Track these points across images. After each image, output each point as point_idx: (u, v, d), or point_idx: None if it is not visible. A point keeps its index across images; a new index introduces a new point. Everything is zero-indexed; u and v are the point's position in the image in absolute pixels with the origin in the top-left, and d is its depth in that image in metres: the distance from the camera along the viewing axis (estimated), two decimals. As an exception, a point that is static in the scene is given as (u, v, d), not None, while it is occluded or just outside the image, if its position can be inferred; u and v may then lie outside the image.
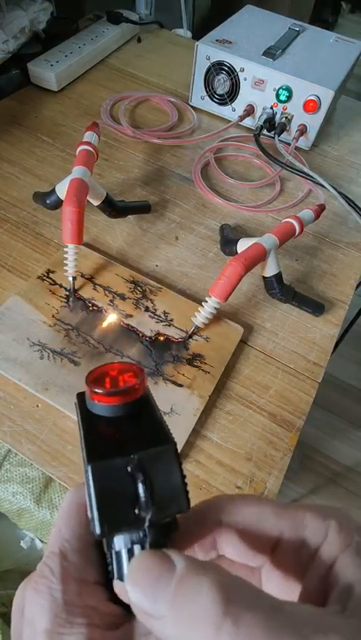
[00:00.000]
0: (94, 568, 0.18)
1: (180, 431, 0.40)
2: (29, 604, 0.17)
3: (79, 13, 0.93)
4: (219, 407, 0.43)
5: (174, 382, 0.43)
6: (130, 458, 0.16)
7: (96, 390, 0.18)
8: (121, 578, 0.16)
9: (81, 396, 0.20)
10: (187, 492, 0.16)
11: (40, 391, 0.41)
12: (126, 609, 0.18)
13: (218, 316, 0.47)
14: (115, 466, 0.16)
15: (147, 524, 0.16)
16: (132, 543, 0.16)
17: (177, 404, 0.41)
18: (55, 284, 0.48)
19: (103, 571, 0.18)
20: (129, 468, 0.16)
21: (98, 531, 0.15)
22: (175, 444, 0.17)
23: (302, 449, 1.25)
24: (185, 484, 0.16)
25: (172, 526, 0.17)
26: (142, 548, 0.16)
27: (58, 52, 0.74)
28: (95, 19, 0.88)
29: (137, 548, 0.16)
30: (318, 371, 0.47)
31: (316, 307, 0.50)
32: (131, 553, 0.16)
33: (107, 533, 0.15)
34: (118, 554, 0.16)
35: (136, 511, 0.16)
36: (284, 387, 0.45)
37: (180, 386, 0.43)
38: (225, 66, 0.66)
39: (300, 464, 1.23)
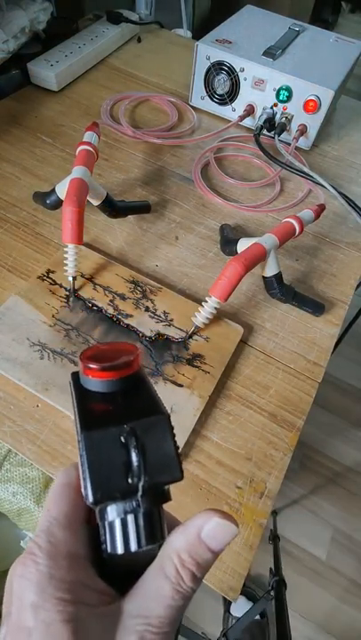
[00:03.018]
0: (84, 546, 0.18)
1: (180, 431, 0.40)
2: (17, 578, 0.17)
3: (79, 13, 0.93)
4: (219, 407, 0.43)
5: (174, 382, 0.43)
6: (123, 427, 0.16)
7: (90, 365, 0.18)
8: (114, 549, 0.16)
9: (75, 375, 0.20)
10: (180, 462, 0.16)
11: (40, 391, 0.41)
12: (116, 587, 0.18)
13: (218, 316, 0.47)
14: (108, 434, 0.16)
15: (140, 492, 0.16)
16: (125, 513, 0.16)
17: (177, 404, 0.41)
18: (55, 283, 0.48)
19: (93, 548, 0.18)
20: (122, 438, 0.16)
21: (91, 498, 0.15)
22: (169, 416, 0.17)
23: (302, 449, 1.25)
24: (178, 455, 0.17)
25: (165, 496, 0.17)
26: (135, 517, 0.16)
27: (58, 51, 0.74)
28: (95, 19, 0.88)
29: (130, 517, 0.16)
30: (318, 371, 0.47)
31: (316, 307, 0.50)
32: (124, 523, 0.16)
33: (99, 500, 0.15)
34: (112, 524, 0.16)
35: (129, 480, 0.16)
36: (285, 387, 0.45)
37: (180, 386, 0.43)
38: (225, 66, 0.66)
39: (300, 464, 1.23)
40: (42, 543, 0.17)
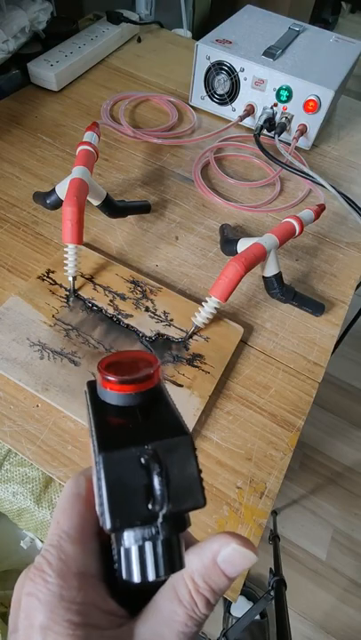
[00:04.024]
0: (95, 562, 0.17)
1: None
2: (26, 596, 0.16)
3: (79, 13, 0.93)
4: (219, 407, 0.43)
5: (174, 382, 0.43)
6: (144, 448, 0.15)
7: (108, 378, 0.17)
8: (130, 577, 0.15)
9: (92, 385, 0.19)
10: (203, 487, 0.15)
11: (40, 391, 0.41)
12: (127, 605, 0.17)
13: (218, 316, 0.47)
14: (128, 456, 0.15)
15: (160, 519, 0.15)
16: (144, 540, 0.15)
17: (177, 405, 0.41)
18: (55, 283, 0.48)
19: (104, 565, 0.17)
20: (142, 460, 0.15)
21: (109, 525, 0.14)
22: (191, 436, 0.16)
23: (302, 449, 1.25)
24: (201, 479, 0.15)
25: (185, 523, 0.16)
26: (154, 545, 0.15)
27: (58, 51, 0.74)
28: (95, 19, 0.88)
29: (148, 545, 0.15)
30: (318, 371, 0.47)
31: (316, 307, 0.50)
32: (142, 550, 0.15)
33: (118, 528, 0.14)
34: (128, 551, 0.15)
35: (150, 506, 0.15)
36: (285, 387, 0.45)
37: (180, 386, 0.43)
38: (225, 66, 0.66)
39: (301, 464, 1.23)
40: (52, 560, 0.16)
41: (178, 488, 0.15)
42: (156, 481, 0.15)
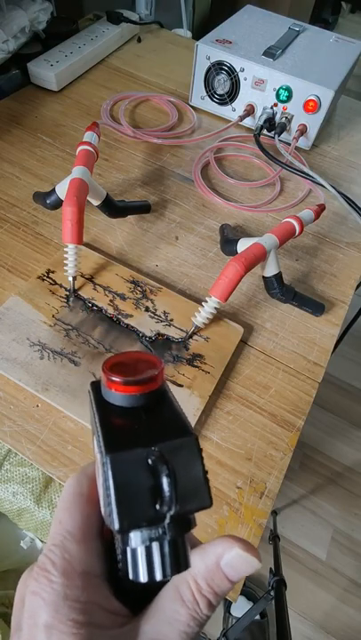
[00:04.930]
0: (98, 561, 0.17)
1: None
2: (30, 595, 0.16)
3: (79, 13, 0.93)
4: (219, 407, 0.43)
5: (174, 382, 0.43)
6: (151, 449, 0.15)
7: (113, 379, 0.17)
8: (136, 577, 0.15)
9: (95, 385, 0.19)
10: (209, 488, 0.15)
11: (40, 391, 0.41)
12: (129, 605, 0.17)
13: (218, 316, 0.47)
14: (135, 457, 0.15)
15: (167, 520, 0.15)
16: (151, 540, 0.15)
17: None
18: (55, 283, 0.48)
19: (108, 564, 0.17)
20: (150, 461, 0.15)
21: (117, 526, 0.14)
22: (197, 436, 0.16)
23: (302, 449, 1.25)
24: (207, 480, 0.16)
25: (190, 523, 0.16)
26: (161, 545, 0.15)
27: (58, 51, 0.74)
28: (95, 19, 0.88)
29: (155, 545, 0.15)
30: (318, 371, 0.47)
31: (316, 307, 0.50)
32: (149, 551, 0.15)
33: (126, 529, 0.14)
34: (134, 551, 0.15)
35: (157, 506, 0.15)
36: (285, 387, 0.45)
37: (180, 386, 0.43)
38: (225, 66, 0.66)
39: (301, 464, 1.23)
40: (56, 559, 0.16)
41: (185, 489, 0.15)
42: (164, 482, 0.15)
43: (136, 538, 0.15)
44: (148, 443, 0.15)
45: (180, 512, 0.15)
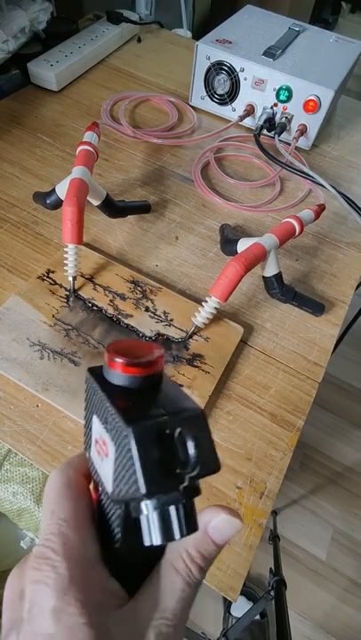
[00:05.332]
0: (94, 545, 0.18)
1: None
2: (32, 584, 0.16)
3: (79, 13, 0.93)
4: (219, 407, 0.43)
5: (174, 382, 0.43)
6: (167, 419, 0.16)
7: (119, 360, 0.18)
8: (155, 540, 0.16)
9: (95, 370, 0.20)
10: (217, 454, 0.17)
11: (40, 391, 0.41)
12: (126, 586, 0.18)
13: (218, 316, 0.47)
14: (155, 427, 0.16)
15: (185, 483, 0.16)
16: (169, 504, 0.16)
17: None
18: (55, 283, 0.48)
19: (102, 547, 0.18)
20: (167, 430, 0.16)
21: (144, 490, 0.15)
22: (203, 410, 0.17)
23: (302, 449, 1.25)
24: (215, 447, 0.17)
25: (198, 489, 0.17)
26: (177, 508, 0.16)
27: (58, 51, 0.74)
28: (95, 19, 0.88)
29: (173, 508, 0.16)
30: (318, 371, 0.47)
31: (316, 307, 0.50)
32: (167, 514, 0.16)
33: (153, 493, 0.16)
34: (154, 515, 0.17)
35: (178, 470, 0.16)
36: (285, 387, 0.45)
37: (181, 386, 0.43)
38: (225, 66, 0.66)
39: (301, 464, 1.23)
40: (56, 546, 0.17)
41: (199, 454, 0.16)
42: (189, 446, 0.16)
43: (154, 503, 0.16)
44: (162, 414, 0.17)
45: (198, 474, 0.16)
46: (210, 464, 0.16)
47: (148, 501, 0.16)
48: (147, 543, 0.16)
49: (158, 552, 0.19)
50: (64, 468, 0.20)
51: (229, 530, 0.18)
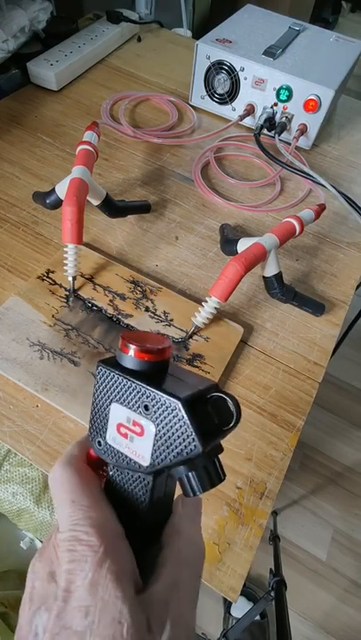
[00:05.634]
0: (118, 523, 0.20)
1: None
2: (68, 564, 0.17)
3: (79, 13, 0.93)
4: (219, 407, 0.43)
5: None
6: (202, 389, 0.19)
7: (136, 346, 0.20)
8: (203, 488, 0.20)
9: (107, 361, 0.21)
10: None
11: (40, 391, 0.41)
12: (142, 566, 0.19)
13: (218, 316, 0.47)
14: (197, 395, 0.19)
15: (222, 437, 0.20)
16: (211, 456, 0.20)
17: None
18: (55, 283, 0.48)
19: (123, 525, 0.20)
20: (209, 396, 0.19)
21: (201, 448, 0.18)
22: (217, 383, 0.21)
23: (302, 449, 1.25)
24: None
25: (222, 448, 0.21)
26: (217, 459, 0.20)
27: (58, 51, 0.74)
28: (95, 18, 0.88)
29: (215, 460, 0.21)
30: (319, 371, 0.47)
31: (316, 307, 0.50)
32: (214, 464, 0.20)
33: (206, 449, 0.18)
34: (204, 467, 0.20)
35: (220, 426, 0.20)
36: (285, 387, 0.45)
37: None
38: (225, 65, 0.66)
39: (301, 464, 1.23)
40: (87, 529, 0.18)
41: (236, 409, 0.20)
42: (231, 405, 0.20)
43: (204, 458, 0.20)
44: (196, 387, 0.20)
45: (235, 425, 0.20)
46: (240, 416, 0.20)
47: (196, 459, 0.19)
48: (192, 495, 0.19)
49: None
50: (70, 459, 0.21)
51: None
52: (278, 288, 0.49)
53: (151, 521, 0.21)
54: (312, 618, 1.03)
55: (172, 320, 0.47)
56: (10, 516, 0.52)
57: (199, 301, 0.47)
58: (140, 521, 0.21)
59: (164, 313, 0.47)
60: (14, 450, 0.39)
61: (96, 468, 0.23)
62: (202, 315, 0.45)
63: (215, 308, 0.45)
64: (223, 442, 0.21)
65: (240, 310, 0.51)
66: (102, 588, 0.16)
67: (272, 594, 0.71)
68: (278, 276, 0.48)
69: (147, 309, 0.47)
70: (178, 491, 0.21)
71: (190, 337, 0.46)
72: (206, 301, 0.45)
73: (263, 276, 0.49)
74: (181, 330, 0.46)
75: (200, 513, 0.22)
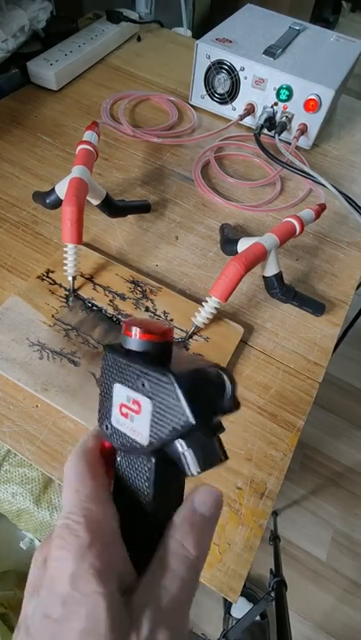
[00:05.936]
0: (114, 521, 0.19)
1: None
2: (55, 551, 0.17)
3: (79, 12, 0.93)
4: (219, 407, 0.43)
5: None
6: (199, 367, 0.20)
7: (139, 328, 0.21)
8: (204, 467, 0.20)
9: (112, 346, 0.22)
10: None
11: (39, 391, 0.41)
12: (137, 566, 0.19)
13: (218, 316, 0.47)
14: (193, 371, 0.19)
15: (219, 416, 0.20)
16: (215, 433, 0.21)
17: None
18: (55, 283, 0.48)
19: (121, 525, 0.20)
20: (211, 372, 0.20)
21: (192, 421, 0.18)
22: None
23: (303, 449, 1.25)
24: None
25: (223, 427, 0.21)
26: (218, 438, 0.21)
27: (57, 50, 0.73)
28: (95, 17, 0.88)
29: (215, 438, 0.21)
30: (319, 371, 0.47)
31: (316, 306, 0.50)
32: (219, 440, 0.21)
33: (197, 422, 0.18)
34: (200, 446, 0.20)
35: (223, 404, 0.20)
36: (285, 387, 0.45)
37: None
38: (225, 65, 0.66)
39: (301, 464, 1.23)
40: (79, 518, 0.18)
41: (233, 388, 0.20)
42: (227, 387, 0.20)
43: (197, 435, 0.20)
44: (191, 366, 0.20)
45: (232, 404, 0.20)
46: (235, 390, 0.20)
47: (191, 434, 0.19)
48: (192, 473, 0.19)
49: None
50: (83, 449, 0.22)
51: (211, 498, 0.20)
52: (278, 288, 0.49)
53: (157, 518, 0.21)
54: (312, 618, 1.03)
55: (172, 320, 0.47)
56: (9, 517, 0.52)
57: (199, 301, 0.47)
58: (147, 516, 0.21)
59: (164, 313, 0.47)
60: (14, 450, 0.39)
61: (109, 459, 0.23)
62: (202, 315, 0.45)
63: (215, 307, 0.45)
64: (223, 442, 0.21)
65: (240, 310, 0.51)
66: (83, 580, 0.16)
67: (272, 594, 0.70)
68: (278, 276, 0.48)
69: (147, 309, 0.47)
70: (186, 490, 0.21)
71: (190, 337, 0.46)
72: (206, 301, 0.45)
73: (263, 276, 0.49)
74: (181, 330, 0.46)
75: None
